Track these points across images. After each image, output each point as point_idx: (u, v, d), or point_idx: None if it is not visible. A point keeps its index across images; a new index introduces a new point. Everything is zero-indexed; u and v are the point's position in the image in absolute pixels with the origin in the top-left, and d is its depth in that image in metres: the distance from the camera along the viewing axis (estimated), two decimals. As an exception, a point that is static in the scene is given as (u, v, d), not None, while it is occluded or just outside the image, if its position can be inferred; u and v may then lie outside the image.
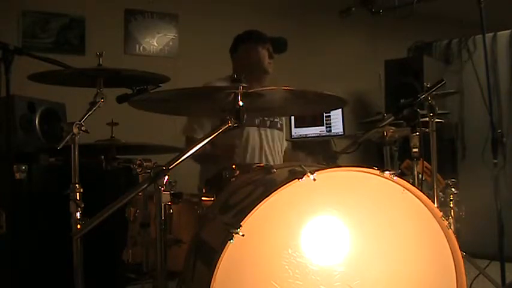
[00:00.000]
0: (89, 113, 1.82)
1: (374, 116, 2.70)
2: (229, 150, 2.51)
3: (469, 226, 2.53)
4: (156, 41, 4.70)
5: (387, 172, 1.54)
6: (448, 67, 4.63)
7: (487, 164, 2.85)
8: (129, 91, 2.12)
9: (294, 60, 4.75)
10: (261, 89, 1.69)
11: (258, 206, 1.41)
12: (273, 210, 1.44)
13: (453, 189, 2.55)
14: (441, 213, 1.59)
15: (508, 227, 2.53)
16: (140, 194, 1.82)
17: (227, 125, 1.61)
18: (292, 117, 4.77)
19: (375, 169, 1.54)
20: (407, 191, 1.57)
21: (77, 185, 1.76)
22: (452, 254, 1.60)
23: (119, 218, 1.91)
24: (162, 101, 1.98)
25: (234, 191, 1.85)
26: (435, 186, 2.27)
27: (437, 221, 1.59)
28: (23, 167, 2.66)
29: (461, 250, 1.60)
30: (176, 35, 4.77)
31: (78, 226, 1.71)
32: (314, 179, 1.45)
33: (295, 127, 4.79)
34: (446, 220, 1.59)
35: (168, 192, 1.52)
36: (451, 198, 2.54)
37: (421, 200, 1.58)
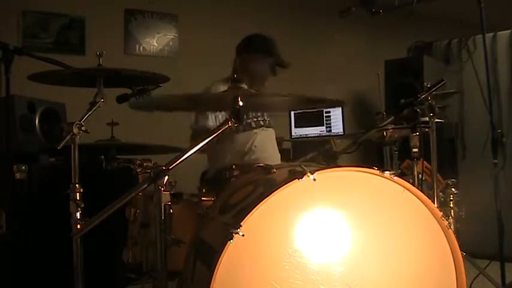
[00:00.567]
0: (89, 113, 1.82)
1: (374, 116, 2.70)
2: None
3: (469, 226, 2.53)
4: (156, 41, 4.69)
5: (387, 172, 1.55)
6: (448, 67, 4.63)
7: (487, 164, 2.85)
8: (129, 91, 2.12)
9: (294, 60, 4.74)
10: (260, 93, 1.69)
11: (258, 206, 1.41)
12: (273, 210, 1.44)
13: (453, 189, 2.55)
14: (441, 213, 1.59)
15: (508, 227, 2.52)
16: (140, 194, 1.82)
17: (227, 125, 1.61)
18: (292, 117, 4.76)
19: (375, 169, 1.54)
20: (407, 191, 1.57)
21: (77, 185, 1.76)
22: (452, 254, 1.60)
23: (119, 218, 1.91)
24: (162, 103, 1.98)
25: (234, 191, 1.85)
26: (435, 186, 2.27)
27: (437, 221, 1.59)
28: (23, 167, 2.66)
29: (461, 250, 1.60)
30: (176, 35, 4.77)
31: (78, 226, 1.71)
32: (314, 179, 1.45)
33: (295, 127, 4.78)
34: (446, 220, 1.59)
35: (168, 192, 1.52)
36: (451, 198, 2.54)
37: (421, 200, 1.58)
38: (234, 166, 2.07)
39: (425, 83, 2.33)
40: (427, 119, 2.31)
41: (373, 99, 5.07)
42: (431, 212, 1.59)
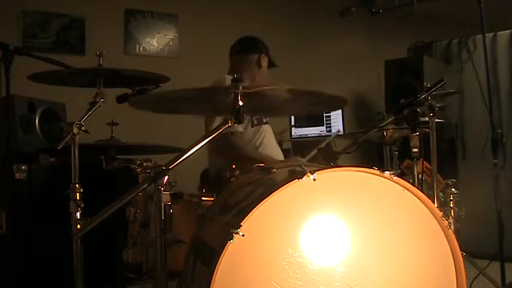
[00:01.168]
0: (89, 113, 1.82)
1: (374, 116, 2.70)
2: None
3: (469, 226, 2.53)
4: (156, 41, 4.70)
5: (387, 172, 1.54)
6: (448, 67, 4.62)
7: (487, 164, 2.85)
8: (129, 91, 2.12)
9: (294, 60, 4.76)
10: (262, 87, 1.69)
11: (258, 206, 1.41)
12: (273, 210, 1.44)
13: (453, 189, 2.55)
14: (441, 213, 1.59)
15: (508, 227, 2.52)
16: (140, 194, 1.82)
17: (227, 125, 1.61)
18: (292, 117, 4.77)
19: (375, 169, 1.54)
20: (407, 191, 1.57)
21: (77, 185, 1.76)
22: (452, 254, 1.60)
23: (119, 218, 1.91)
24: (163, 101, 1.98)
25: (234, 191, 1.84)
26: (435, 186, 2.26)
27: (437, 221, 1.59)
28: (23, 167, 2.67)
29: (461, 250, 1.60)
30: (176, 35, 4.77)
31: (78, 226, 1.71)
32: (314, 179, 1.45)
33: (295, 127, 4.79)
34: (446, 220, 1.59)
35: (168, 192, 1.52)
36: (451, 198, 2.54)
37: (421, 200, 1.58)
38: (234, 166, 2.07)
39: (425, 83, 2.33)
40: (427, 119, 2.31)
41: (373, 99, 5.08)
42: (431, 212, 1.59)
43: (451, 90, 3.08)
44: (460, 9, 4.17)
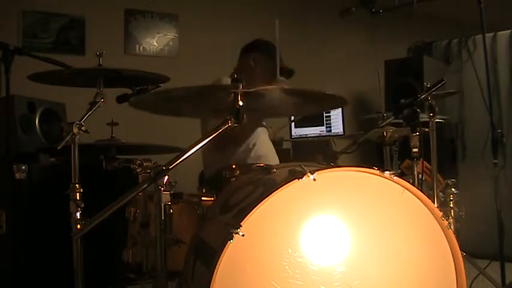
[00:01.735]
0: (89, 113, 1.82)
1: (374, 115, 2.70)
2: None
3: (469, 226, 2.53)
4: (156, 41, 4.70)
5: (387, 172, 1.54)
6: (448, 67, 4.62)
7: (487, 164, 2.85)
8: (129, 91, 2.12)
9: (294, 60, 4.75)
10: (261, 88, 1.69)
11: (258, 206, 1.41)
12: (273, 210, 1.44)
13: (453, 189, 2.55)
14: (441, 213, 1.59)
15: (508, 227, 2.53)
16: (140, 194, 1.82)
17: (227, 125, 1.61)
18: (292, 117, 4.77)
19: (375, 169, 1.54)
20: (407, 191, 1.57)
21: (77, 185, 1.76)
22: (452, 254, 1.60)
23: (119, 218, 1.91)
24: (163, 101, 1.98)
25: (234, 191, 1.84)
26: (435, 186, 2.26)
27: (437, 221, 1.59)
28: (23, 167, 2.66)
29: (461, 250, 1.60)
30: (176, 35, 4.77)
31: (78, 226, 1.71)
32: (314, 179, 1.45)
33: (295, 127, 4.79)
34: (446, 220, 1.59)
35: (168, 192, 1.52)
36: (451, 198, 2.53)
37: (421, 200, 1.58)
38: (234, 166, 2.07)
39: (425, 83, 2.33)
40: (427, 119, 2.31)
41: (373, 99, 5.08)
42: (431, 212, 1.59)
43: (451, 90, 3.08)
44: (460, 9, 4.17)
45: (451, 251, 1.60)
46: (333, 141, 4.62)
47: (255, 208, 1.41)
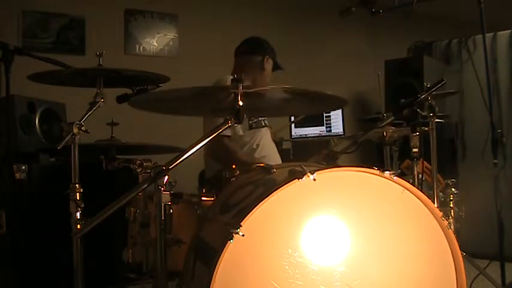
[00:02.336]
0: (89, 113, 1.82)
1: (374, 116, 2.70)
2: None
3: (469, 226, 2.52)
4: (156, 41, 4.70)
5: (387, 172, 1.54)
6: (448, 67, 4.62)
7: (487, 164, 2.85)
8: (129, 91, 2.12)
9: (294, 60, 4.75)
10: (261, 88, 1.69)
11: (258, 206, 1.41)
12: (273, 210, 1.44)
13: (453, 189, 2.55)
14: (441, 213, 1.59)
15: (508, 227, 2.53)
16: (140, 194, 1.82)
17: (227, 125, 1.61)
18: (293, 118, 4.77)
19: (375, 169, 1.54)
20: (407, 191, 1.57)
21: (77, 185, 1.76)
22: (452, 254, 1.60)
23: (119, 218, 1.91)
24: (163, 101, 1.98)
25: (234, 191, 1.85)
26: (435, 186, 2.26)
27: (437, 221, 1.59)
28: (23, 167, 2.67)
29: (461, 250, 1.60)
30: (176, 35, 4.77)
31: (78, 226, 1.71)
32: (314, 179, 1.45)
33: (295, 127, 4.79)
34: (446, 220, 1.59)
35: (168, 192, 1.52)
36: (451, 198, 2.53)
37: (421, 200, 1.58)
38: (234, 166, 2.07)
39: (425, 83, 2.33)
40: (427, 119, 2.31)
41: (373, 99, 5.08)
42: (431, 212, 1.59)
43: (451, 90, 3.08)
44: (460, 9, 4.17)
45: (451, 251, 1.60)
46: (333, 141, 4.62)
47: (255, 208, 1.41)
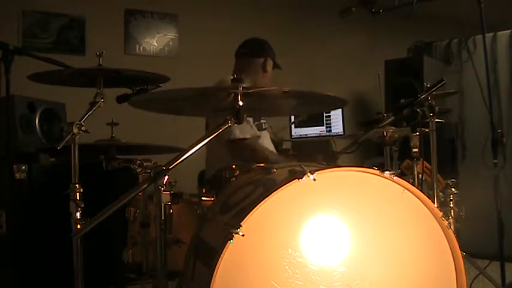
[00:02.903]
0: (89, 113, 1.82)
1: (374, 116, 2.70)
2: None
3: (469, 226, 2.53)
4: (156, 41, 4.70)
5: (387, 172, 1.54)
6: (448, 67, 4.63)
7: (487, 164, 2.85)
8: (129, 91, 2.12)
9: (294, 60, 4.75)
10: (261, 88, 1.69)
11: (258, 206, 1.41)
12: (273, 210, 1.44)
13: (453, 189, 2.55)
14: (441, 213, 1.59)
15: (508, 227, 2.53)
16: (140, 194, 1.82)
17: (227, 125, 1.61)
18: (293, 117, 4.76)
19: (375, 169, 1.54)
20: (407, 191, 1.57)
21: (77, 185, 1.76)
22: (452, 253, 1.60)
23: (119, 218, 1.91)
24: (163, 100, 1.98)
25: (234, 191, 1.85)
26: (435, 186, 2.26)
27: (437, 221, 1.59)
28: (23, 167, 2.67)
29: (461, 250, 1.60)
30: (176, 35, 4.77)
31: (78, 226, 1.71)
32: (314, 179, 1.45)
33: (295, 127, 4.79)
34: (446, 220, 1.59)
35: (168, 192, 1.52)
36: (451, 198, 2.53)
37: (421, 200, 1.58)
38: (234, 166, 2.07)
39: (425, 83, 2.33)
40: (427, 119, 2.31)
41: (373, 99, 5.08)
42: (431, 212, 1.59)
43: (451, 90, 3.08)
44: (460, 9, 4.17)
45: (451, 251, 1.60)
46: (333, 141, 4.62)
47: (255, 208, 1.41)
